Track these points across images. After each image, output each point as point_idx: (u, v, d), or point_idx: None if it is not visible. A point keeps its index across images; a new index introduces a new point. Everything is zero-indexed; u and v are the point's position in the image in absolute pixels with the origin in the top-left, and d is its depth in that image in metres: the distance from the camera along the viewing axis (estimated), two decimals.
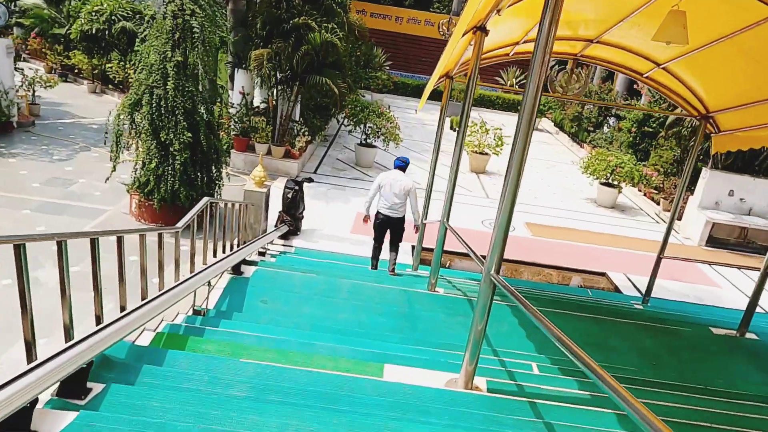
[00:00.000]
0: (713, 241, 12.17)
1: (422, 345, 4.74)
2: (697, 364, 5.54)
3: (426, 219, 8.06)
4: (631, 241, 11.71)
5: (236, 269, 5.88)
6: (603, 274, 9.97)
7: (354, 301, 5.68)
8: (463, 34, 5.73)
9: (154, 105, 8.24)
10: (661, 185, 13.91)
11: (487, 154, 15.23)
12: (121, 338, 3.17)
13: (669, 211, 13.36)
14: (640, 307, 8.07)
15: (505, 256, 9.40)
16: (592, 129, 19.57)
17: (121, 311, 3.55)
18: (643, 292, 9.47)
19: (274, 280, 5.92)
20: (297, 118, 13.06)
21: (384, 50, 24.43)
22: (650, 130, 15.40)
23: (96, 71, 17.74)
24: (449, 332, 5.30)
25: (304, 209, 9.49)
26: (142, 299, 3.82)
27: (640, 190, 14.84)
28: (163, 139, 8.32)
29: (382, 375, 3.74)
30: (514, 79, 28.49)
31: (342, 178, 13.08)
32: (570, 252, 10.62)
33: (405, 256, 9.35)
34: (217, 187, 9.26)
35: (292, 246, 9.10)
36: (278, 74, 11.75)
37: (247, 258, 6.52)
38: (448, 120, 21.90)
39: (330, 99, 13.59)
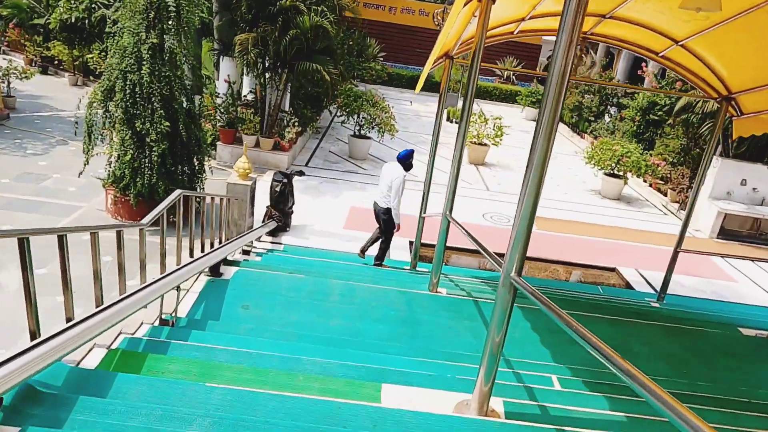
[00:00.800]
0: (725, 233, 11.60)
1: (425, 356, 4.12)
2: (731, 371, 4.95)
3: (425, 212, 7.46)
4: (640, 234, 11.13)
5: (215, 270, 5.25)
6: (613, 270, 9.39)
7: (347, 305, 5.06)
8: (466, 3, 5.10)
9: (128, 92, 7.57)
10: (668, 175, 13.33)
11: (486, 145, 14.61)
12: (57, 359, 2.54)
13: (677, 202, 12.81)
14: (657, 305, 7.48)
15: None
16: (592, 119, 18.98)
17: (67, 323, 2.92)
18: (657, 288, 8.90)
19: (257, 282, 5.29)
20: (287, 109, 12.39)
21: (378, 41, 23.74)
22: (655, 118, 14.81)
23: (77, 62, 16.99)
24: (455, 340, 4.69)
25: (293, 204, 8.85)
26: (96, 308, 3.19)
27: (645, 181, 14.26)
28: (138, 129, 7.66)
29: (380, 399, 3.12)
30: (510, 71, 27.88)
31: (335, 171, 12.44)
32: (577, 246, 10.03)
33: (403, 252, 8.74)
34: (199, 181, 8.60)
35: (280, 243, 8.46)
36: (265, 61, 11.07)
37: (228, 257, 5.89)
38: (445, 112, 21.25)
39: (321, 88, 12.93)
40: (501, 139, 14.28)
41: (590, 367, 4.37)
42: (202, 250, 5.81)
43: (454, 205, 5.60)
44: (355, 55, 18.98)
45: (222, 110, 11.72)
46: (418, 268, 7.86)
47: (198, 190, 8.56)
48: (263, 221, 8.62)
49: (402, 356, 4.02)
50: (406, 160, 7.43)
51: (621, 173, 12.95)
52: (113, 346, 3.44)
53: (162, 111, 7.65)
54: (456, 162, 5.41)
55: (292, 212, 8.91)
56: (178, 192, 5.05)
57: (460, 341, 4.67)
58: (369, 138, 13.54)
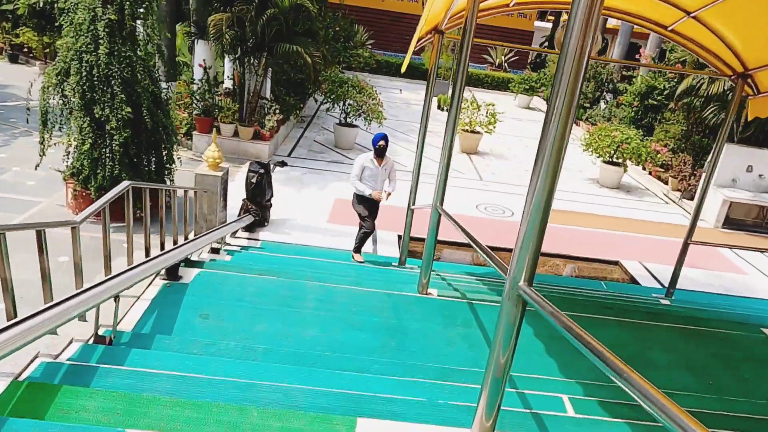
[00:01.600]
0: (730, 222, 11.04)
1: (413, 374, 3.48)
2: (765, 381, 4.35)
3: (414, 204, 6.83)
4: (642, 225, 10.54)
5: (172, 273, 4.57)
6: (616, 263, 8.79)
7: (325, 312, 4.41)
8: None
9: (84, 74, 6.83)
10: (669, 163, 12.74)
11: (478, 132, 13.95)
12: None
13: (679, 190, 12.24)
14: (667, 302, 6.89)
15: (503, 244, 8.06)
16: (588, 105, 18.36)
17: None
18: (663, 282, 8.33)
19: (222, 285, 4.62)
20: (268, 95, 11.66)
21: (366, 28, 22.98)
22: (654, 103, 14.21)
23: (48, 50, 16.13)
24: (449, 350, 4.05)
25: (271, 196, 8.16)
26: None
27: (644, 169, 13.67)
28: (97, 116, 6.93)
29: None
30: (503, 57, 27.24)
31: (319, 161, 11.74)
32: (576, 238, 9.42)
33: (391, 247, 8.09)
34: (168, 173, 7.89)
35: (258, 239, 7.78)
36: (243, 44, 10.32)
37: (191, 257, 5.21)
38: (434, 99, 20.57)
39: (305, 74, 12.20)
40: (494, 127, 13.63)
41: (605, 381, 3.75)
42: (162, 250, 5.14)
43: (446, 196, 4.96)
44: (342, 41, 18.23)
45: (198, 97, 10.98)
46: (407, 264, 7.23)
47: (168, 183, 7.85)
48: (239, 215, 7.93)
49: (385, 375, 3.38)
50: (374, 143, 6.81)
51: (620, 161, 12.34)
52: (25, 374, 2.77)
53: (123, 95, 6.93)
54: (446, 150, 4.76)
55: (271, 205, 8.23)
56: (125, 184, 4.37)
57: (454, 353, 4.03)
58: (355, 126, 12.85)
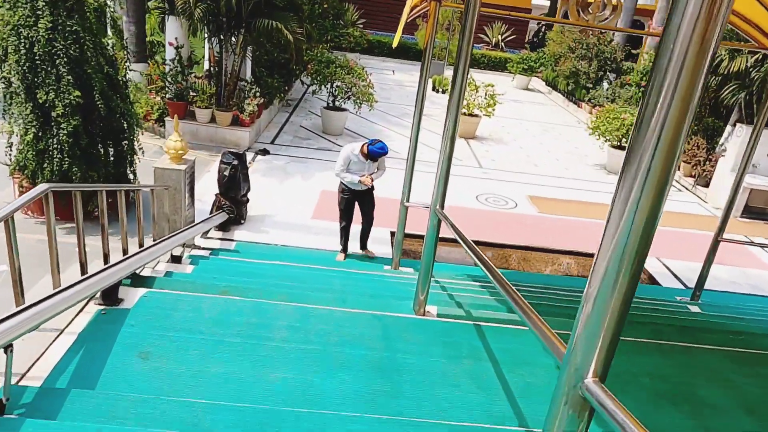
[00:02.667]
0: (750, 211, 10.24)
1: None
2: None
3: (408, 201, 5.97)
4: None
5: (109, 296, 3.69)
6: None
7: (299, 344, 3.55)
8: None
9: (23, 53, 5.87)
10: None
11: (477, 116, 13.03)
12: None
13: (692, 176, 11.41)
14: (695, 308, 6.09)
15: (508, 241, 7.17)
16: (590, 86, 17.43)
17: None
18: (685, 281, 7.53)
19: (173, 311, 3.74)
20: (248, 77, 10.68)
21: (357, 6, 21.89)
22: None
23: None
24: (454, 395, 3.21)
25: (248, 190, 7.26)
26: None
27: None
28: (41, 101, 5.98)
29: None
30: (499, 36, 26.19)
31: (305, 149, 10.82)
32: (586, 231, 8.59)
33: (383, 246, 7.23)
34: (129, 165, 6.97)
35: (232, 240, 6.90)
36: (217, 19, 9.32)
37: (139, 272, 4.34)
38: (429, 80, 19.58)
39: (288, 53, 11.21)
40: (494, 110, 12.71)
41: None
42: (106, 262, 4.26)
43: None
44: (331, 18, 17.17)
45: (169, 80, 9.99)
46: (401, 268, 6.38)
47: (127, 176, 6.93)
48: (211, 212, 7.04)
49: None
50: (372, 150, 6.03)
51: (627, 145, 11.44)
52: None
53: (70, 77, 5.98)
54: (448, 142, 3.85)
55: (247, 200, 7.33)
56: (43, 187, 3.48)
57: (459, 399, 3.19)
58: (345, 110, 11.90)
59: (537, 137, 14.14)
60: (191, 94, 10.10)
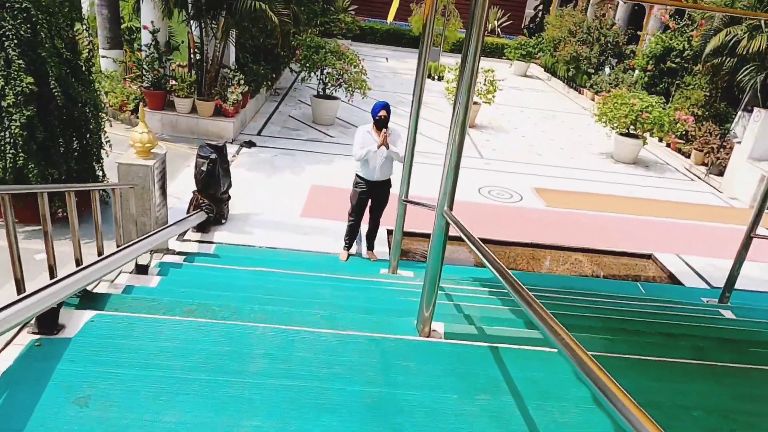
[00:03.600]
0: None
1: None
2: None
3: (406, 196, 5.34)
4: (673, 208, 9.08)
5: (46, 322, 3.01)
6: (649, 257, 7.34)
7: (279, 377, 2.89)
8: None
9: None
10: (693, 133, 11.25)
11: (476, 103, 12.34)
12: None
13: (704, 164, 10.79)
14: (729, 313, 5.47)
15: (515, 238, 6.48)
16: (592, 71, 16.75)
17: None
18: (709, 279, 6.91)
19: (124, 339, 3.07)
20: (231, 64, 9.95)
21: None
22: (673, 65, 12.64)
23: None
24: None
25: (229, 186, 6.57)
26: None
27: (661, 141, 12.18)
28: None
29: None
30: (495, 22, 25.44)
31: (294, 140, 10.11)
32: (596, 226, 7.95)
33: (379, 245, 6.57)
34: (97, 161, 6.27)
35: (212, 242, 6.22)
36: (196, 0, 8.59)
37: (91, 288, 3.66)
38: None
39: (274, 38, 10.47)
40: (494, 96, 12.02)
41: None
42: (52, 276, 3.58)
43: (438, 176, 3.39)
44: (321, 3, 16.38)
45: (146, 67, 9.25)
46: (399, 272, 5.73)
47: (94, 173, 6.23)
48: (188, 212, 6.36)
49: None
50: (373, 114, 5.47)
51: (638, 132, 10.81)
52: None
53: (21, 61, 5.26)
54: (458, 130, 3.17)
55: (228, 198, 6.65)
56: None
57: None
58: (336, 98, 11.18)
59: (538, 125, 13.47)
60: (170, 82, 9.37)
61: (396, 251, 5.61)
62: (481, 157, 10.49)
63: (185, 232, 6.26)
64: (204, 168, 6.16)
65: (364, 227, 6.27)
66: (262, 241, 6.35)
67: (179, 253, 5.61)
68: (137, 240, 4.37)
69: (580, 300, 5.24)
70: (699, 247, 7.63)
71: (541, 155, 11.07)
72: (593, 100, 16.42)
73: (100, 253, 4.34)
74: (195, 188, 6.39)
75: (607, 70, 16.93)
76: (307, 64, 10.49)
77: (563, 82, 18.76)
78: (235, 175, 8.03)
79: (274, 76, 11.67)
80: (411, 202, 5.30)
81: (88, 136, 6.06)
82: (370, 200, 5.92)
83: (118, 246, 4.66)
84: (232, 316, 3.46)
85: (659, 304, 5.49)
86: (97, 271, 3.56)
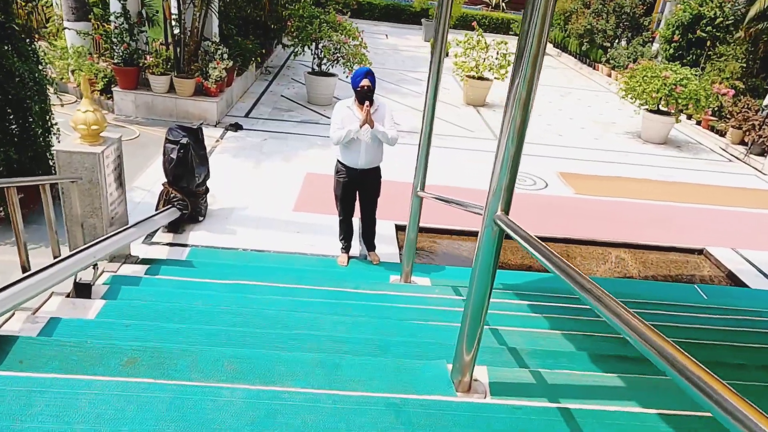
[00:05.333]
0: None
1: None
2: None
3: (422, 189, 4.32)
4: (715, 192, 8.02)
5: None
6: (701, 252, 6.30)
7: None
8: None
9: None
10: (730, 109, 10.15)
11: (487, 79, 11.23)
12: None
13: (744, 143, 9.71)
14: None
15: (544, 232, 5.32)
16: (608, 45, 15.57)
17: None
18: None
19: (17, 419, 2.03)
20: (214, 37, 8.80)
21: None
22: (703, 35, 11.48)
23: None
24: None
25: (207, 176, 5.50)
26: None
27: (690, 118, 11.07)
28: None
29: None
30: None
31: (285, 122, 9.01)
32: (633, 215, 6.90)
33: (387, 244, 5.52)
34: (39, 146, 5.17)
35: (185, 245, 5.16)
36: None
37: None
38: (428, 44, 17.66)
39: (261, 7, 9.33)
40: (507, 71, 10.88)
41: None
42: None
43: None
44: None
45: (116, 40, 8.11)
46: (413, 279, 4.69)
47: (42, 160, 5.15)
48: (157, 209, 5.29)
49: None
50: (354, 83, 4.37)
51: (671, 109, 9.71)
52: None
53: None
54: (517, 115, 2.12)
55: (206, 190, 5.57)
56: None
57: None
58: (333, 75, 10.05)
59: (554, 103, 12.35)
60: (145, 58, 8.23)
61: (410, 255, 4.57)
62: (497, 139, 9.38)
63: (154, 233, 5.20)
64: (174, 155, 5.08)
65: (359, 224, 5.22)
66: (246, 242, 5.29)
67: (142, 261, 4.55)
68: (71, 254, 3.30)
69: (638, 313, 4.20)
70: (755, 239, 6.59)
71: (562, 136, 9.97)
72: (609, 75, 15.29)
73: (24, 269, 3.28)
74: (164, 181, 5.31)
75: (623, 43, 15.76)
76: (301, 36, 9.34)
77: (575, 57, 17.58)
78: (217, 162, 6.97)
79: (264, 51, 10.52)
80: (431, 197, 4.25)
81: (31, 119, 4.96)
82: (357, 191, 4.87)
83: (55, 258, 3.60)
84: (190, 371, 2.41)
85: (737, 317, 4.45)
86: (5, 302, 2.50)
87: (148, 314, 3.17)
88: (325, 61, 9.65)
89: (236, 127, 8.27)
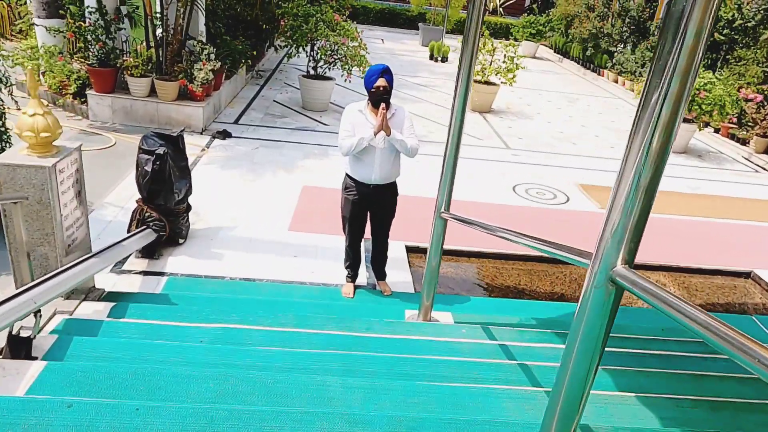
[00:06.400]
0: None
1: None
2: None
3: (446, 209, 3.59)
4: (754, 207, 7.34)
5: None
6: (748, 275, 5.60)
7: None
8: None
9: None
10: (752, 117, 9.52)
11: (494, 84, 10.54)
12: None
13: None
14: None
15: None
16: (614, 50, 14.97)
17: None
18: None
19: None
20: (200, 36, 8.04)
21: None
22: (722, 38, 10.87)
23: None
24: None
25: (188, 192, 4.72)
26: None
27: (707, 125, 10.42)
28: None
29: None
30: (497, 1, 23.57)
31: (279, 129, 8.25)
32: (668, 233, 6.20)
33: (398, 270, 4.76)
34: None
35: (162, 273, 4.38)
36: None
37: None
38: (427, 49, 17.00)
39: (250, 3, 8.60)
40: (515, 75, 10.22)
41: None
42: None
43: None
44: None
45: (91, 39, 7.33)
46: (434, 315, 3.95)
47: None
48: (129, 230, 4.51)
49: None
50: (368, 83, 3.61)
51: (692, 116, 9.06)
52: None
53: None
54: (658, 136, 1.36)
55: (188, 208, 4.80)
56: None
57: None
58: (330, 79, 9.32)
59: (563, 110, 11.68)
60: (123, 58, 7.46)
61: (430, 287, 3.82)
62: (507, 148, 8.69)
63: (125, 261, 4.42)
64: (148, 168, 4.31)
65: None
66: (235, 269, 4.51)
67: (108, 297, 3.77)
68: (14, 294, 2.51)
69: (694, 358, 3.47)
70: None
71: (576, 144, 9.29)
72: (616, 81, 14.69)
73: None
74: (139, 196, 4.54)
75: (628, 47, 15.16)
76: (295, 36, 8.61)
77: (578, 63, 16.98)
78: (203, 174, 6.20)
79: (255, 53, 9.77)
80: (453, 218, 3.51)
81: None
82: (368, 211, 4.13)
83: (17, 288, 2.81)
84: None
85: None
86: None
87: (102, 384, 2.39)
88: (321, 63, 8.92)
89: (224, 134, 7.50)
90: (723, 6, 10.83)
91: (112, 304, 3.59)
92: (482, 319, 3.99)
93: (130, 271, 4.35)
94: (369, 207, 4.05)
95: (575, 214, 6.47)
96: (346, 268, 4.33)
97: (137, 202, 4.57)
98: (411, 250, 5.20)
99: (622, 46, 15.41)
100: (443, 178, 3.53)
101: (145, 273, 4.36)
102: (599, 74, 15.58)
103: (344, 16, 9.29)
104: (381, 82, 3.61)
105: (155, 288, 4.17)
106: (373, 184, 3.87)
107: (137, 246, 4.25)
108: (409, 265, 4.98)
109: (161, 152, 4.29)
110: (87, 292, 3.76)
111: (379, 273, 4.45)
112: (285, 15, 8.99)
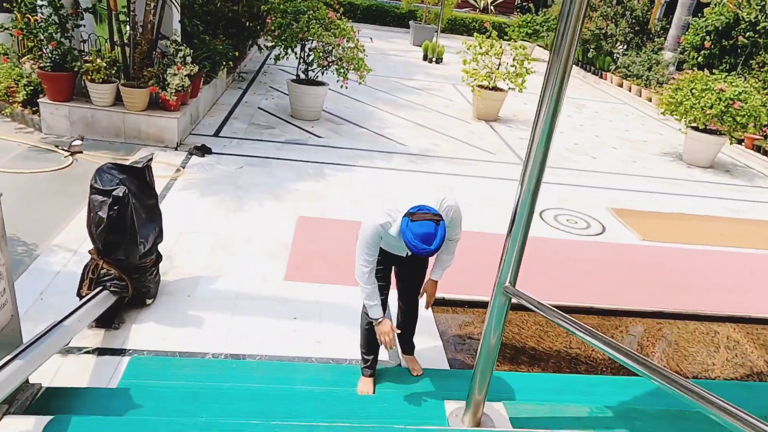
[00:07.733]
0: None
1: None
2: None
3: (512, 282, 2.60)
4: None
5: None
6: None
7: None
8: None
9: None
10: None
11: (501, 89, 9.63)
12: None
13: None
14: None
15: (625, 303, 3.87)
16: (618, 52, 14.19)
17: None
18: None
19: None
20: (174, 35, 6.94)
21: None
22: (744, 41, 10.10)
23: None
24: None
25: (158, 238, 3.67)
26: None
27: (741, 141, 9.62)
28: None
29: None
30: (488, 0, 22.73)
31: (266, 143, 7.21)
32: (726, 270, 5.33)
33: (422, 336, 3.78)
34: None
35: (122, 352, 3.33)
36: None
37: None
38: (419, 48, 16.04)
39: (234, 2, 7.53)
40: (525, 80, 9.32)
41: None
42: None
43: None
44: None
45: (43, 37, 6.20)
46: (487, 414, 2.99)
47: None
48: (79, 293, 3.46)
49: None
50: (417, 247, 2.63)
51: (723, 128, 8.24)
52: None
53: None
54: None
55: (158, 258, 3.75)
56: None
57: None
58: (323, 84, 8.29)
59: (573, 118, 10.82)
60: (83, 60, 6.35)
61: (485, 374, 2.86)
62: (521, 161, 7.76)
63: (68, 342, 3.36)
64: (103, 213, 3.25)
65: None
66: (217, 342, 3.49)
67: (43, 398, 2.73)
68: None
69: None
70: None
71: (596, 159, 8.41)
72: (621, 85, 13.90)
73: None
74: (91, 248, 3.48)
75: (632, 49, 14.40)
76: (284, 36, 7.56)
77: (578, 65, 16.18)
78: (177, 204, 5.14)
79: (237, 54, 8.70)
80: (521, 298, 2.55)
81: None
82: (396, 274, 3.17)
83: None
84: None
85: None
86: None
87: None
88: (314, 66, 7.89)
89: (203, 150, 6.44)
90: (746, 6, 10.07)
91: (48, 418, 2.55)
92: (550, 412, 3.04)
93: (79, 349, 3.30)
94: (398, 269, 3.11)
95: (617, 248, 5.56)
96: (363, 355, 3.24)
97: (91, 252, 3.51)
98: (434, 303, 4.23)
99: (624, 48, 14.67)
100: (510, 240, 2.58)
101: (100, 351, 3.31)
102: (601, 77, 14.78)
103: (339, 14, 8.26)
104: (426, 248, 2.58)
105: (112, 374, 3.14)
106: (407, 256, 2.95)
107: (89, 319, 3.20)
108: (436, 324, 4.02)
109: (120, 193, 3.24)
110: (15, 393, 2.72)
111: (407, 346, 3.46)
112: (271, 11, 7.94)
